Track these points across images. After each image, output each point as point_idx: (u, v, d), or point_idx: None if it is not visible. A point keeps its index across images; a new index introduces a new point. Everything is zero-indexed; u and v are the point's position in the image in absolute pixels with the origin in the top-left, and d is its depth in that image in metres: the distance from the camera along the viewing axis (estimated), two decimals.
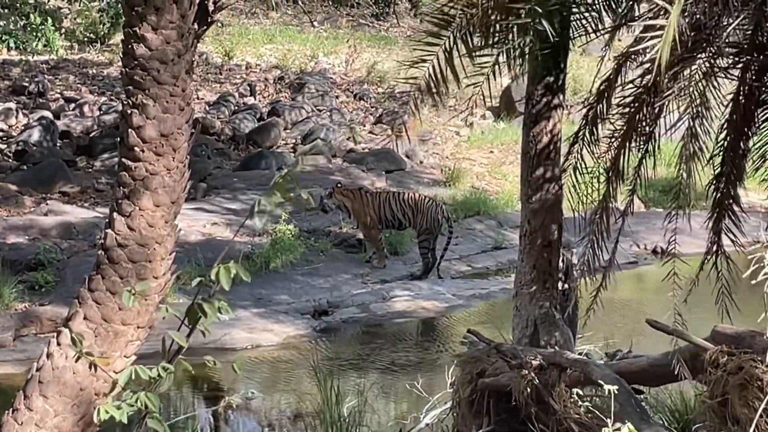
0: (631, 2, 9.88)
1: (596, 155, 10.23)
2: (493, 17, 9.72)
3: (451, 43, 9.75)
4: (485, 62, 9.73)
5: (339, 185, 19.32)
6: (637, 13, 9.83)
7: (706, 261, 10.12)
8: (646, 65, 9.20)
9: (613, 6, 9.84)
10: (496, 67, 9.70)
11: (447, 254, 18.72)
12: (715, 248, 10.07)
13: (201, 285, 4.70)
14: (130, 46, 7.41)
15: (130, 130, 7.41)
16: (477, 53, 9.84)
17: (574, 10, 9.93)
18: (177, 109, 7.45)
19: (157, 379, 4.67)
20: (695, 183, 9.46)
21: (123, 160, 7.52)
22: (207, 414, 13.20)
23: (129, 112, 7.43)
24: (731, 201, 9.98)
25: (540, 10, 8.55)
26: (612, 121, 9.98)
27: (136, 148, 7.40)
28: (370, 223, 18.53)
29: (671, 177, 9.55)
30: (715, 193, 9.99)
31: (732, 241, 9.97)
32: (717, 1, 8.14)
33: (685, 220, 9.62)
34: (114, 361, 7.37)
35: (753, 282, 7.28)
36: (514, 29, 9.17)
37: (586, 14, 9.92)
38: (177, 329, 4.79)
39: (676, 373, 8.74)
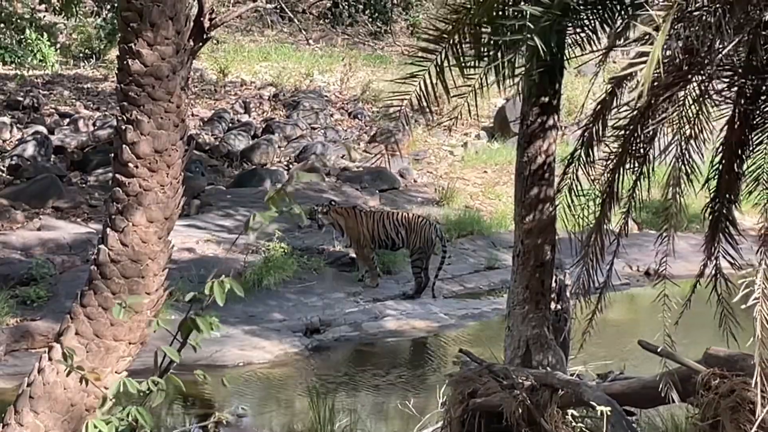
0: (625, 21, 9.89)
1: (592, 177, 10.24)
2: (484, 34, 9.74)
3: (443, 58, 9.76)
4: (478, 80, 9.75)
5: (333, 203, 19.31)
6: (632, 34, 9.85)
7: (698, 283, 10.10)
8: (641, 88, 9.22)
9: (609, 23, 9.86)
10: (493, 86, 9.72)
11: (439, 274, 18.71)
12: (711, 270, 10.06)
13: (194, 299, 4.70)
14: (125, 62, 7.42)
15: (124, 145, 7.42)
16: (469, 71, 9.86)
17: (569, 30, 9.95)
18: (171, 125, 7.46)
19: (147, 393, 4.67)
20: (690, 206, 9.47)
21: (117, 175, 7.53)
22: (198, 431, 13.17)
23: (123, 127, 7.44)
24: (727, 223, 9.98)
25: (532, 26, 8.55)
26: (608, 143, 10.00)
27: (130, 164, 7.41)
28: (363, 241, 18.52)
29: (664, 199, 9.55)
30: (711, 215, 9.99)
31: (730, 263, 9.95)
32: (710, 24, 8.15)
33: (679, 241, 9.62)
34: (105, 377, 7.36)
35: (743, 306, 7.30)
36: (503, 46, 9.18)
37: (581, 33, 9.94)
38: (169, 345, 4.79)
39: (665, 395, 8.75)
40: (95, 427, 4.55)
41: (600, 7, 9.83)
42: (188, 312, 4.75)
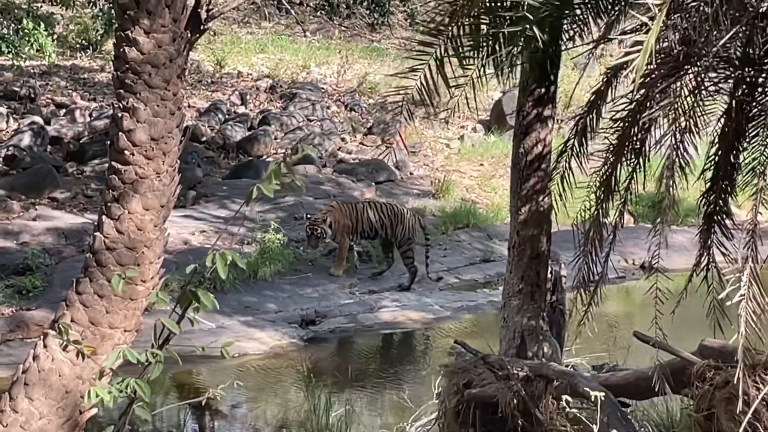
0: (617, 12, 9.89)
1: (589, 169, 10.24)
2: (483, 25, 9.75)
3: (442, 52, 9.77)
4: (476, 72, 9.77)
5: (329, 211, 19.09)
6: (626, 26, 9.85)
7: (695, 275, 10.10)
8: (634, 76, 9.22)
9: (601, 14, 9.86)
10: (491, 79, 9.73)
11: (435, 266, 18.74)
12: (705, 262, 10.05)
13: (194, 271, 4.68)
14: (121, 50, 7.41)
15: (120, 133, 7.41)
16: (468, 63, 9.87)
17: (564, 22, 9.95)
18: (168, 113, 7.46)
19: (146, 365, 4.66)
20: (686, 198, 9.46)
21: (113, 163, 7.52)
22: (192, 423, 13.17)
23: (120, 115, 7.43)
24: (722, 215, 9.98)
25: (531, 17, 8.55)
26: (605, 135, 9.99)
27: (126, 152, 7.41)
28: (344, 231, 18.44)
29: (660, 192, 9.54)
30: (705, 207, 9.99)
31: (724, 255, 9.94)
32: (707, 15, 8.15)
33: (675, 235, 9.62)
34: (101, 364, 7.35)
35: (728, 304, 7.31)
36: (501, 38, 9.18)
37: (577, 24, 9.94)
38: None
39: (657, 387, 8.76)
40: (97, 395, 4.55)
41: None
42: (187, 284, 4.73)
